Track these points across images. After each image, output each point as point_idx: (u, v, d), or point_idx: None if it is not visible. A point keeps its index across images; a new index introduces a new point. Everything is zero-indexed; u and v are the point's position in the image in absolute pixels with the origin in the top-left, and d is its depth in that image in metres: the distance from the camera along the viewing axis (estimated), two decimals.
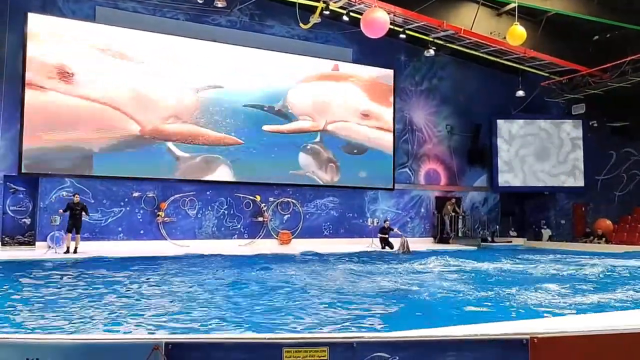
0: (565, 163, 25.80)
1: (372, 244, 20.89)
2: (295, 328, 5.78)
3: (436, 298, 8.31)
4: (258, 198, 20.89)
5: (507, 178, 25.93)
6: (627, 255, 17.65)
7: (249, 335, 3.34)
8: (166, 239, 19.17)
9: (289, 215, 21.77)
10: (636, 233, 22.79)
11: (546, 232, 25.76)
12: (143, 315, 6.88)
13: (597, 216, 24.75)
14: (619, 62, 20.38)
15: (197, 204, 20.06)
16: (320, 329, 5.66)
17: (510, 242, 25.54)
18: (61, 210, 16.13)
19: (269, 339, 3.27)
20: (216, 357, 3.21)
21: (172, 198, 19.57)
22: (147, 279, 10.60)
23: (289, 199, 21.79)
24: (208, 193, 20.36)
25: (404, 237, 20.01)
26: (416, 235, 24.00)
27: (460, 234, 24.70)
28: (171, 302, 7.92)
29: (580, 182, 25.78)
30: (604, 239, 22.75)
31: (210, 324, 6.27)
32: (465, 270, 12.73)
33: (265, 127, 21.39)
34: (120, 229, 18.76)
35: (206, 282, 10.17)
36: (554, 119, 25.95)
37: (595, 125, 25.43)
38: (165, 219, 19.28)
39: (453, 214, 24.65)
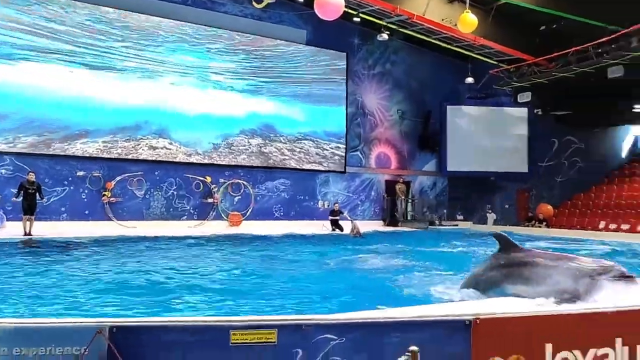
0: (510, 149, 26.58)
1: (323, 227, 20.98)
2: (243, 310, 5.74)
3: (382, 280, 8.41)
4: (208, 179, 20.58)
5: (455, 163, 26.50)
6: (564, 239, 18.37)
7: (196, 318, 3.26)
8: (112, 220, 18.64)
9: (239, 197, 21.57)
10: (574, 218, 23.81)
11: (491, 217, 26.53)
12: (85, 298, 6.67)
13: (539, 201, 25.69)
14: (563, 52, 21.01)
15: (145, 185, 19.58)
16: (269, 311, 5.66)
17: (457, 225, 26.19)
18: (14, 198, 15.36)
19: (216, 321, 3.21)
20: (162, 340, 3.12)
21: (118, 178, 19.01)
22: (95, 261, 10.28)
23: (240, 181, 21.58)
24: (156, 173, 19.90)
25: (354, 220, 20.18)
26: (366, 218, 24.28)
27: (409, 218, 25.15)
28: (117, 284, 7.72)
29: (524, 168, 26.66)
30: (544, 223, 23.63)
31: (156, 308, 6.14)
32: (410, 253, 12.96)
33: None
34: (63, 209, 18.12)
35: (154, 264, 9.95)
36: (502, 106, 26.63)
37: (540, 113, 26.25)
38: (112, 199, 18.74)
39: (403, 197, 25.05)
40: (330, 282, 8.44)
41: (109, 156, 18.94)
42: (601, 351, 3.62)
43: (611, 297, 5.11)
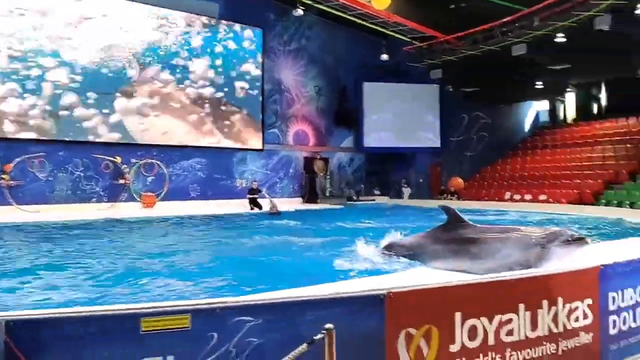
0: (424, 125, 27.44)
1: (241, 205, 20.75)
2: (155, 296, 5.55)
3: (299, 258, 8.43)
4: (118, 159, 19.67)
5: (372, 139, 27.00)
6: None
7: (103, 308, 3.07)
8: (12, 204, 17.41)
9: (153, 177, 20.82)
10: (483, 190, 25.08)
11: (407, 191, 27.39)
12: None
13: (451, 175, 26.80)
14: (471, 31, 21.77)
15: (48, 166, 18.40)
16: (182, 296, 5.50)
17: (374, 200, 26.80)
18: None
19: (125, 309, 3.04)
20: (66, 334, 2.92)
21: (18, 159, 17.74)
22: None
23: (153, 160, 20.80)
24: (60, 154, 18.75)
25: (272, 198, 20.10)
26: (285, 196, 24.28)
27: (327, 194, 25.43)
28: (14, 275, 7.20)
29: (436, 143, 27.66)
30: (456, 195, 24.69)
31: (56, 299, 5.78)
32: (328, 229, 13.07)
33: None
34: None
35: (58, 252, 9.40)
36: (415, 82, 27.33)
37: (451, 90, 27.26)
38: (11, 182, 17.47)
39: (321, 173, 25.25)
40: (246, 262, 8.35)
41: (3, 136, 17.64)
42: (506, 317, 3.80)
43: (565, 261, 5.16)
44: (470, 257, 5.95)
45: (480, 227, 6.59)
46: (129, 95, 20.36)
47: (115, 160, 19.63)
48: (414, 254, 6.77)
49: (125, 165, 19.83)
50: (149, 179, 20.72)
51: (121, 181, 19.73)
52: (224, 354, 3.04)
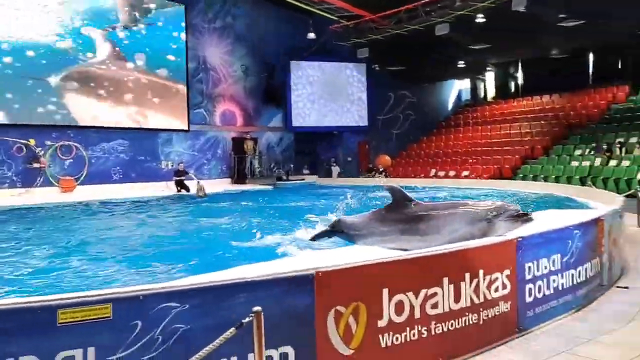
0: (351, 104, 27.69)
1: (166, 187, 20.21)
2: (73, 287, 5.30)
3: (227, 240, 8.31)
4: (32, 142, 18.56)
5: (300, 118, 26.96)
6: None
7: (15, 300, 2.88)
8: None
9: (71, 160, 19.81)
10: (409, 167, 25.75)
11: (335, 169, 27.66)
12: None
13: (378, 153, 27.31)
14: (396, 10, 22.04)
15: None
16: (103, 285, 5.29)
17: (304, 179, 26.87)
18: None
19: (40, 301, 2.87)
20: None
21: None
22: None
23: (70, 143, 19.78)
24: None
25: (199, 180, 19.69)
26: (213, 177, 23.86)
27: (256, 174, 25.22)
28: None
29: (364, 122, 28.02)
30: (383, 173, 25.20)
31: None
32: (257, 210, 12.99)
33: None
34: None
35: None
36: (342, 61, 27.45)
37: (377, 68, 27.62)
38: None
39: (251, 154, 24.99)
40: (172, 246, 8.15)
41: None
42: (431, 290, 3.92)
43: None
44: (420, 235, 6.01)
45: (426, 204, 6.65)
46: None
47: (29, 143, 18.51)
48: (360, 234, 6.75)
49: (40, 148, 18.74)
50: (67, 162, 19.70)
51: (36, 165, 18.64)
52: (149, 343, 2.95)
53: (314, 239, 7.35)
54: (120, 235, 9.59)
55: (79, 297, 2.93)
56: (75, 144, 19.88)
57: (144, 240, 8.95)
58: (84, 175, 19.92)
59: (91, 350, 2.84)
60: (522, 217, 5.64)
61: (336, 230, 7.14)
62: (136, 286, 3.20)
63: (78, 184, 19.60)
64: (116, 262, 6.89)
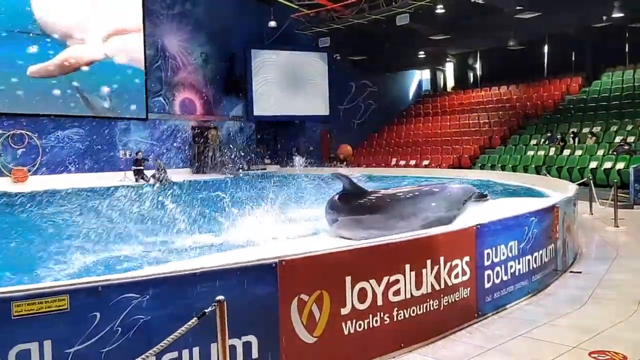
0: (313, 93, 27.63)
1: (125, 177, 19.78)
2: (28, 279, 5.13)
3: (185, 230, 8.17)
4: None
5: (262, 107, 26.74)
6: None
7: None
8: None
9: (23, 150, 19.15)
10: (370, 156, 25.94)
11: (297, 159, 27.56)
12: None
13: (340, 142, 27.40)
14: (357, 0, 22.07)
15: None
16: (59, 277, 5.15)
17: (265, 169, 26.73)
18: None
19: None
20: None
21: None
22: None
23: (22, 131, 19.09)
24: None
25: (162, 168, 19.33)
26: (173, 167, 23.44)
27: (217, 164, 24.93)
28: None
29: (325, 111, 28.02)
30: (345, 162, 25.30)
31: None
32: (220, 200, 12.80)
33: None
34: None
35: None
36: (303, 50, 27.33)
37: (339, 58, 27.63)
38: None
39: (213, 143, 24.67)
40: (132, 238, 7.97)
41: None
42: (393, 277, 3.97)
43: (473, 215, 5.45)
44: (393, 220, 6.06)
45: (388, 191, 6.74)
46: None
47: None
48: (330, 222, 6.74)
49: None
50: (19, 151, 19.03)
51: None
52: (108, 334, 2.88)
53: (276, 228, 7.31)
54: (71, 227, 9.29)
55: (34, 289, 2.84)
56: (28, 133, 19.22)
57: (99, 230, 8.70)
58: (37, 165, 19.28)
59: (48, 344, 2.76)
60: (482, 198, 6.00)
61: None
62: (94, 277, 3.12)
63: (31, 174, 18.97)
64: (70, 252, 6.70)
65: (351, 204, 6.51)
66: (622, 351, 3.81)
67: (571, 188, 8.14)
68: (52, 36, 19.95)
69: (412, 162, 23.26)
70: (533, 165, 18.42)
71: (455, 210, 5.96)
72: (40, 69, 19.62)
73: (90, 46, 21.03)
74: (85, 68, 20.89)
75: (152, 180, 18.71)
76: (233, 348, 3.15)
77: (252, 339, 3.28)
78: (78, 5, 20.65)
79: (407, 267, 4.06)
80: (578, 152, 18.07)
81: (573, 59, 25.52)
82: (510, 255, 5.04)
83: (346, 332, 3.68)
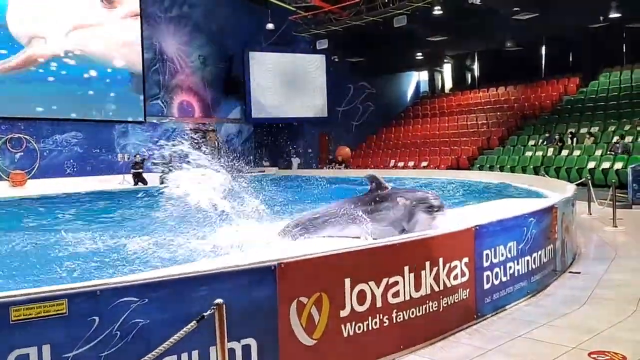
0: (311, 95, 27.63)
1: (123, 181, 19.76)
2: (26, 283, 5.13)
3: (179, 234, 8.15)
4: None
5: (259, 110, 26.74)
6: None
7: None
8: None
9: (21, 153, 19.14)
10: (369, 158, 25.95)
11: (295, 161, 27.61)
12: None
13: (338, 144, 27.40)
14: (354, 1, 22.09)
15: None
16: (58, 281, 5.13)
17: (264, 171, 26.70)
18: None
19: None
20: None
21: None
22: None
23: (20, 135, 19.07)
24: None
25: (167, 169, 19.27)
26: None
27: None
28: None
29: (324, 113, 28.03)
30: (343, 164, 25.30)
31: None
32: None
33: None
34: None
35: None
36: (301, 52, 27.34)
37: (337, 60, 27.64)
38: None
39: (213, 145, 24.66)
40: (132, 240, 7.96)
41: None
42: (392, 279, 3.96)
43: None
44: (387, 220, 5.99)
45: (402, 191, 6.62)
46: None
47: None
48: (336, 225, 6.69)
49: None
50: (17, 155, 19.02)
51: None
52: (107, 338, 2.88)
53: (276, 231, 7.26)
54: (68, 231, 9.28)
55: (32, 293, 2.84)
56: (26, 137, 19.21)
57: (98, 234, 8.70)
58: (35, 169, 19.27)
59: (46, 348, 2.75)
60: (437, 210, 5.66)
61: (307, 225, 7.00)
62: (92, 281, 3.11)
63: (29, 178, 18.95)
64: (67, 256, 6.68)
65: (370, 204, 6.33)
66: (622, 351, 3.81)
67: (569, 188, 8.14)
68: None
69: (411, 164, 23.27)
70: (531, 166, 18.44)
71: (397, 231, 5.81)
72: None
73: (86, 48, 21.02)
74: (85, 75, 20.87)
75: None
76: (232, 351, 3.15)
77: (252, 342, 3.28)
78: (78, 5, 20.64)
79: (406, 268, 4.05)
80: (576, 153, 18.09)
81: (570, 59, 25.55)
82: (509, 256, 5.04)
83: (345, 335, 3.68)
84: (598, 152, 17.37)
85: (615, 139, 17.47)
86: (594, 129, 19.36)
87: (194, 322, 2.81)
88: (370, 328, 3.80)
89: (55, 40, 19.91)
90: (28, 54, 19.25)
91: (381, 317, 3.87)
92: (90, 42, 20.97)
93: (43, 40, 19.68)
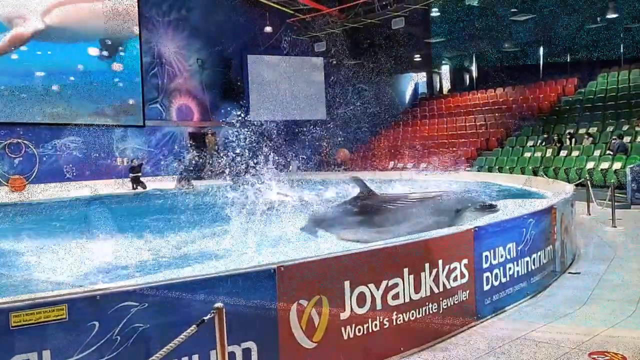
0: (309, 97, 27.64)
1: (122, 185, 19.75)
2: (26, 289, 5.12)
3: (184, 236, 8.16)
4: None
5: (258, 112, 26.73)
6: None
7: None
8: None
9: (20, 158, 19.12)
10: (368, 160, 25.94)
11: (294, 163, 27.56)
12: None
13: (337, 146, 27.39)
14: (352, 4, 22.15)
15: None
16: (58, 286, 5.12)
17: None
18: None
19: None
20: None
21: None
22: None
23: (19, 140, 19.07)
24: None
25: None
26: (170, 173, 23.40)
27: (215, 169, 24.87)
28: None
29: (322, 115, 28.04)
30: (342, 167, 25.27)
31: None
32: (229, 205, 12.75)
33: None
34: None
35: None
36: (300, 55, 27.36)
37: (335, 62, 27.67)
38: None
39: (213, 149, 24.66)
40: (130, 245, 7.95)
41: None
42: (392, 281, 3.96)
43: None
44: (402, 224, 6.12)
45: (399, 195, 6.84)
46: None
47: None
48: (332, 227, 6.75)
49: None
50: (16, 160, 19.00)
51: None
52: (107, 343, 2.88)
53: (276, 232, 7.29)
54: (66, 234, 9.26)
55: (32, 299, 2.84)
56: (25, 142, 19.20)
57: (96, 238, 8.68)
58: (34, 174, 19.26)
59: (46, 354, 2.75)
60: (489, 208, 5.92)
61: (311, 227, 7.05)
62: (92, 286, 3.11)
63: (28, 183, 18.95)
64: (66, 263, 6.67)
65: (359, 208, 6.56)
66: (622, 351, 3.81)
67: (568, 189, 8.15)
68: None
69: (410, 165, 23.25)
70: (530, 167, 18.44)
71: (447, 218, 5.88)
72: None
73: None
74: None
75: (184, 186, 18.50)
76: (232, 355, 3.15)
77: (252, 345, 3.28)
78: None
79: (406, 270, 4.05)
80: (575, 153, 18.10)
81: (568, 60, 25.59)
82: (508, 257, 5.05)
83: (345, 337, 3.68)
84: (597, 153, 17.38)
85: (613, 138, 17.49)
86: (593, 130, 19.37)
87: (194, 326, 2.81)
88: (370, 330, 3.80)
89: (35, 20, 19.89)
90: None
91: (381, 320, 3.87)
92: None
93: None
